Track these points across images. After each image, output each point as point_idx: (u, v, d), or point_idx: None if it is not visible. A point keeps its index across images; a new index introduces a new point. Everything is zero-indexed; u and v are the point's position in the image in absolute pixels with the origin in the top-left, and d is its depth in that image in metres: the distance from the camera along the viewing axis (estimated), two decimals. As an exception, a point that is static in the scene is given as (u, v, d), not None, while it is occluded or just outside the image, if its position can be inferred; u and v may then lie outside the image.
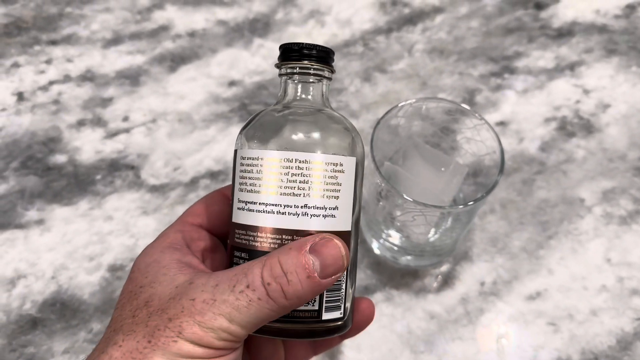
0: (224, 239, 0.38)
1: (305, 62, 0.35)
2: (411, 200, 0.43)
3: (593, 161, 0.60)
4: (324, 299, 0.33)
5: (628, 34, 0.70)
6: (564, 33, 0.70)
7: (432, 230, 0.50)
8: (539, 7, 0.72)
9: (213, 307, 0.28)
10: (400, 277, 0.52)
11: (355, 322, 0.38)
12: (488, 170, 0.49)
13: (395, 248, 0.52)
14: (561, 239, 0.55)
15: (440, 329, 0.50)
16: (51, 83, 0.63)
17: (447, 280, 0.52)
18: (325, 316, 0.33)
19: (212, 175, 0.58)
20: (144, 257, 0.33)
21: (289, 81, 0.36)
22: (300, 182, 0.32)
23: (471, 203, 0.43)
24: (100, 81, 0.63)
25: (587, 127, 0.62)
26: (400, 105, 0.48)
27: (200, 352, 0.28)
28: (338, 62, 0.66)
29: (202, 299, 0.29)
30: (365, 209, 0.53)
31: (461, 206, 0.43)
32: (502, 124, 0.62)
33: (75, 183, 0.56)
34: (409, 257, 0.52)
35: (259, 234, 0.32)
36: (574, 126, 0.62)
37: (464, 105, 0.49)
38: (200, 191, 0.56)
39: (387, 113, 0.48)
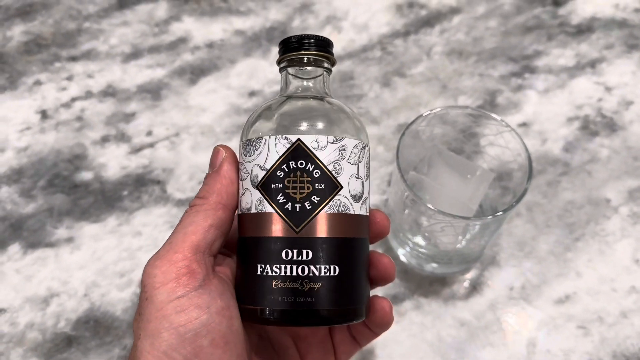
0: None
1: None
2: (436, 210, 0.43)
3: (618, 160, 0.59)
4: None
5: (649, 28, 0.69)
6: (584, 29, 0.69)
7: (460, 237, 0.50)
8: (557, 3, 0.71)
9: None
10: (428, 284, 0.52)
11: (373, 321, 0.38)
12: (514, 174, 0.49)
13: (422, 256, 0.52)
14: (588, 241, 0.55)
15: (471, 336, 0.50)
16: (73, 100, 0.63)
17: (476, 287, 0.52)
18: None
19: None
20: None
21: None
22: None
23: (500, 213, 0.43)
24: (121, 96, 0.64)
25: (611, 126, 0.62)
26: (424, 114, 0.48)
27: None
28: (356, 67, 0.66)
29: None
30: (392, 217, 0.53)
31: (490, 217, 0.43)
32: (524, 125, 0.61)
33: (102, 200, 0.57)
34: (434, 265, 0.52)
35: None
36: (597, 125, 0.62)
37: (493, 115, 0.49)
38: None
39: (411, 123, 0.48)
